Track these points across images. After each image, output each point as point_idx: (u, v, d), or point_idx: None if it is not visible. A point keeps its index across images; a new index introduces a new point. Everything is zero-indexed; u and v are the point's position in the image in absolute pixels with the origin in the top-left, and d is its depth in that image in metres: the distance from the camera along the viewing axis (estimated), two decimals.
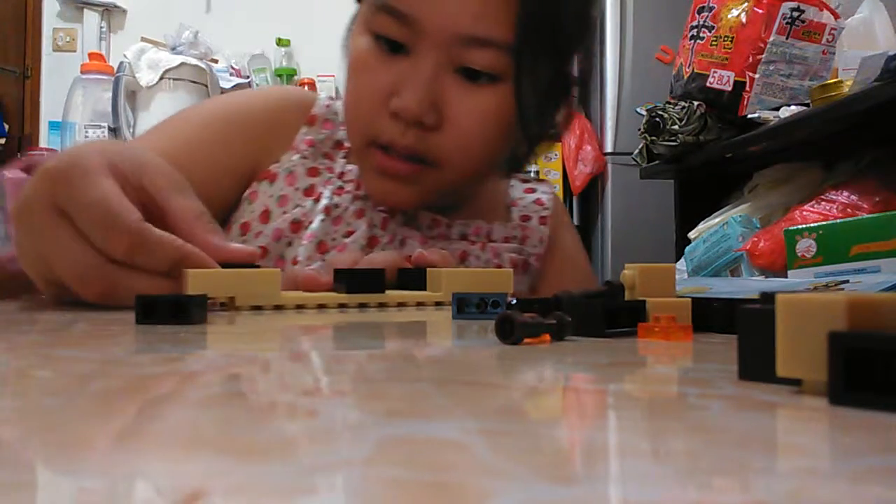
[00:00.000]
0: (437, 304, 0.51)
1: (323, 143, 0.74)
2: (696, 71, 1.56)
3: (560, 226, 0.83)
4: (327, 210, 0.69)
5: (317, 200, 0.70)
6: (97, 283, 0.44)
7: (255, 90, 0.78)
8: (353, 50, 0.68)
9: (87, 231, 0.43)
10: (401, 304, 0.50)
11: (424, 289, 0.53)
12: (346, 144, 0.74)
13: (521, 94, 0.65)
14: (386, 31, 0.63)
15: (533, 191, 0.83)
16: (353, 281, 0.49)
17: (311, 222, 0.69)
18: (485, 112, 0.65)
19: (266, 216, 0.69)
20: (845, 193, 1.31)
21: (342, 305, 0.48)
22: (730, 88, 1.51)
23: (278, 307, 0.46)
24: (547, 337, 0.29)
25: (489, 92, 0.64)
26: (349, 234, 0.69)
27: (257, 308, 0.46)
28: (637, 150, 1.74)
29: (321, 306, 0.48)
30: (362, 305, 0.49)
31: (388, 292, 0.50)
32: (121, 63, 2.71)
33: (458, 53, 0.62)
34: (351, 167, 0.72)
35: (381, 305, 0.49)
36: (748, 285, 0.47)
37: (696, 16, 1.60)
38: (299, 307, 0.47)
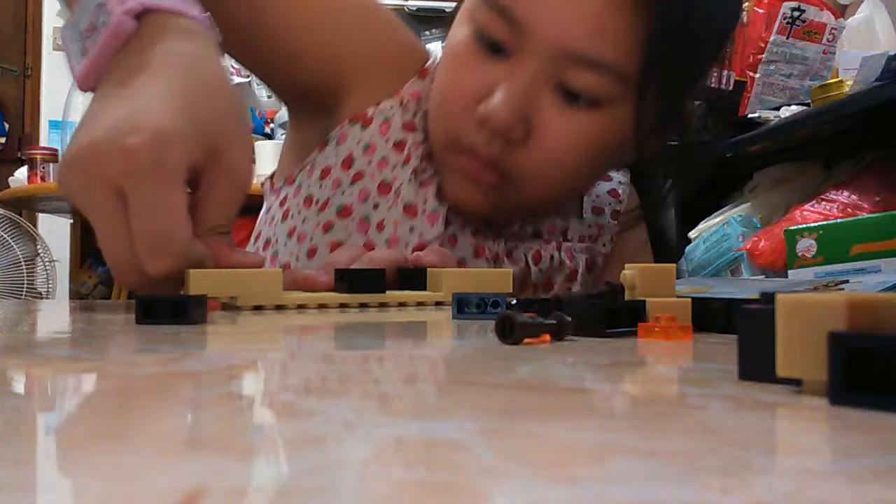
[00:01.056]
0: (438, 303, 0.51)
1: (426, 101, 0.67)
2: None
3: (630, 221, 0.77)
4: (415, 172, 0.64)
5: (406, 162, 0.65)
6: (132, 278, 0.42)
7: (390, 13, 0.71)
8: (452, 39, 0.63)
9: (136, 234, 0.40)
10: (401, 304, 0.51)
11: (425, 289, 0.53)
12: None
13: (639, 123, 0.59)
14: (490, 30, 0.59)
15: (609, 178, 0.76)
16: (354, 281, 0.49)
17: (401, 184, 0.64)
18: (578, 137, 0.59)
19: (349, 162, 0.65)
20: (845, 193, 1.31)
21: (343, 305, 0.48)
22: (730, 88, 1.51)
23: (280, 307, 0.46)
24: (547, 337, 0.29)
25: (587, 117, 0.59)
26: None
27: (258, 308, 0.46)
28: None
29: (322, 306, 0.48)
30: (363, 305, 0.49)
31: (388, 292, 0.50)
32: None
33: (563, 69, 0.57)
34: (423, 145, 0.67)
35: (382, 305, 0.49)
36: (748, 285, 0.47)
37: None
38: (301, 307, 0.47)
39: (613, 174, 0.77)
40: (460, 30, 0.61)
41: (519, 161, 0.59)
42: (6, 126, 3.34)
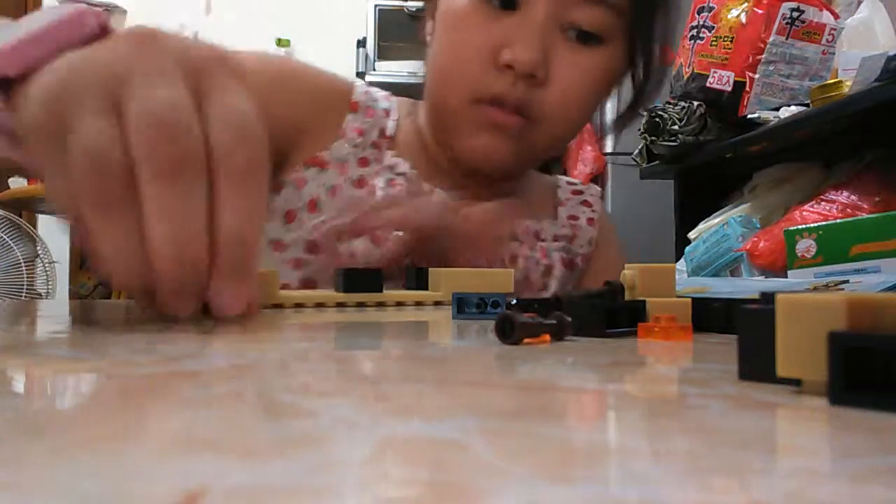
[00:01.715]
0: (437, 303, 0.51)
1: (370, 131, 0.71)
2: (696, 71, 1.56)
3: (605, 229, 0.83)
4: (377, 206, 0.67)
5: (371, 192, 0.68)
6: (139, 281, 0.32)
7: (303, 64, 0.74)
8: (451, 6, 0.66)
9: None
10: (399, 304, 0.51)
11: (426, 288, 0.53)
12: (390, 134, 0.72)
13: (635, 55, 0.67)
14: None
15: (580, 192, 0.83)
16: (351, 280, 0.49)
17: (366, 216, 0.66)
18: (590, 72, 0.66)
19: (314, 205, 0.67)
20: (845, 193, 1.31)
21: (340, 304, 0.48)
22: (730, 88, 1.51)
23: (277, 306, 0.46)
24: (547, 337, 0.29)
25: (595, 53, 0.65)
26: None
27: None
28: (637, 151, 1.74)
29: (319, 305, 0.48)
30: (361, 304, 0.49)
31: (386, 292, 0.50)
32: None
33: (570, 10, 0.64)
34: (399, 161, 0.70)
35: (380, 305, 0.49)
36: (748, 285, 0.47)
37: (696, 16, 1.60)
38: (298, 306, 0.47)
39: (583, 188, 0.85)
40: None
41: (541, 101, 0.64)
42: None
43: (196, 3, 3.14)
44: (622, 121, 0.78)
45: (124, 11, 3.13)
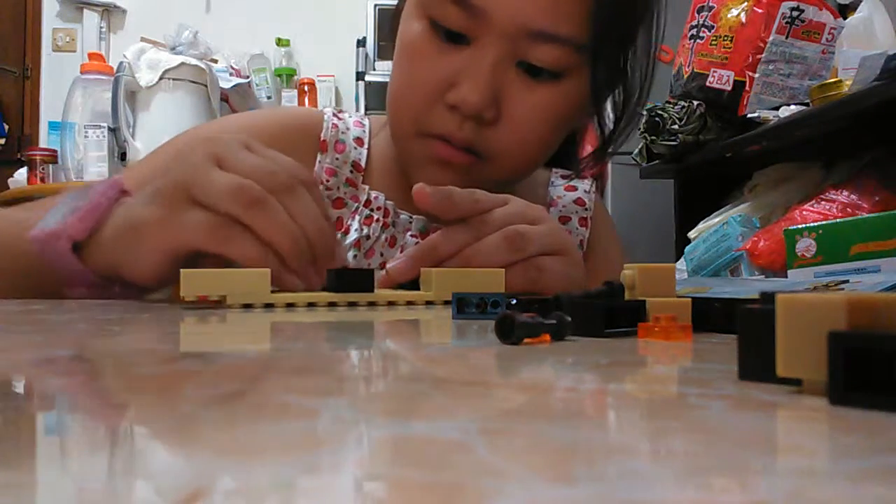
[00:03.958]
0: (428, 303, 0.52)
1: (342, 168, 0.71)
2: (695, 70, 1.56)
3: (600, 225, 0.80)
4: (358, 244, 0.67)
5: (346, 233, 0.67)
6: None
7: (264, 113, 0.74)
8: (405, 34, 0.64)
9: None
10: (391, 303, 0.51)
11: (418, 289, 0.53)
12: (363, 165, 0.71)
13: (597, 91, 0.64)
14: (448, 21, 0.61)
15: (574, 189, 0.80)
16: (342, 280, 0.50)
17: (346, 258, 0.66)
18: (545, 110, 0.63)
19: None
20: (845, 193, 1.31)
21: (332, 304, 0.49)
22: (729, 88, 1.51)
23: (268, 305, 0.47)
24: (547, 337, 0.29)
25: (550, 89, 0.62)
26: (382, 265, 0.66)
27: (247, 306, 0.47)
28: (637, 150, 1.74)
29: (311, 304, 0.48)
30: (352, 304, 0.49)
31: (377, 292, 0.50)
32: (120, 63, 2.70)
33: (523, 47, 0.60)
34: (377, 194, 0.69)
35: (371, 304, 0.50)
36: (748, 285, 0.47)
37: (696, 15, 1.60)
38: (290, 305, 0.48)
39: (578, 183, 0.81)
40: (413, 25, 0.63)
41: (491, 140, 0.62)
42: (6, 127, 3.33)
43: (196, 3, 3.14)
44: (598, 155, 0.75)
45: (124, 11, 3.13)
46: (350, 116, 0.76)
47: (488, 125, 0.61)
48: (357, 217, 0.68)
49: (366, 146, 0.73)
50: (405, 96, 0.64)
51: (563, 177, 0.82)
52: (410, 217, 0.70)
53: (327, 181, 0.69)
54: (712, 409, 0.17)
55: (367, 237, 0.68)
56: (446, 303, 0.51)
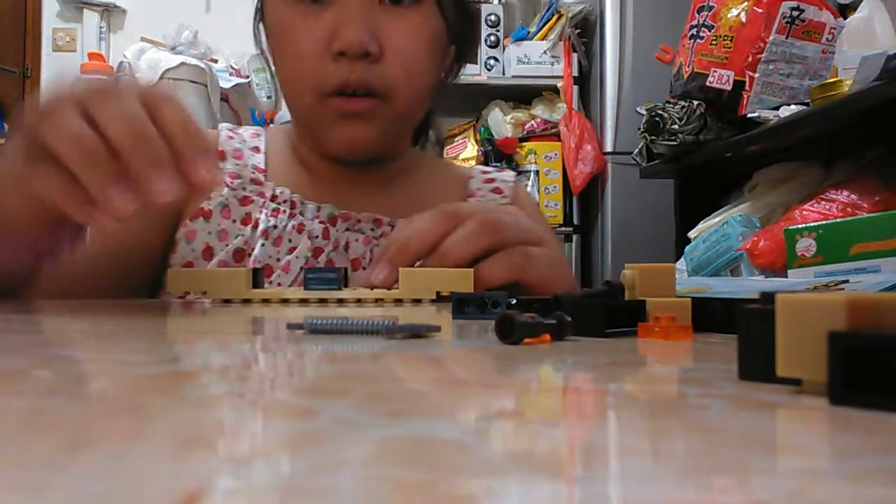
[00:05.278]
0: (398, 301, 0.52)
1: (244, 171, 0.74)
2: (695, 70, 1.56)
3: (522, 209, 0.81)
4: (265, 234, 0.70)
5: (255, 227, 0.70)
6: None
7: None
8: (273, 18, 0.70)
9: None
10: (359, 301, 0.53)
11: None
12: (262, 168, 0.75)
13: (443, 9, 0.69)
14: None
15: (492, 180, 0.83)
16: (314, 278, 0.53)
17: (252, 249, 0.69)
18: (418, 32, 0.68)
19: (209, 253, 0.69)
20: (845, 193, 1.31)
21: (303, 301, 0.52)
22: (729, 88, 1.51)
23: (246, 301, 0.51)
24: (547, 337, 0.29)
25: (416, 13, 0.68)
26: (292, 250, 0.70)
27: (227, 301, 0.51)
28: (637, 150, 1.74)
29: (284, 301, 0.51)
30: (322, 301, 0.51)
31: (346, 289, 0.53)
32: (120, 63, 2.71)
33: None
34: (281, 189, 0.72)
35: (341, 301, 0.51)
36: (748, 285, 0.47)
37: (696, 15, 1.60)
38: (265, 301, 0.52)
39: (496, 174, 0.84)
40: (278, 9, 0.69)
41: (383, 74, 0.67)
42: (6, 127, 3.33)
43: (196, 3, 3.14)
44: (448, 76, 0.78)
45: (124, 11, 3.13)
46: (245, 130, 0.80)
47: (376, 62, 0.66)
48: (264, 210, 0.71)
49: (263, 151, 0.77)
50: (296, 67, 0.68)
51: (483, 172, 0.85)
52: (318, 206, 0.72)
53: (231, 183, 0.72)
54: (712, 409, 0.17)
55: (275, 227, 0.70)
56: (415, 301, 0.52)
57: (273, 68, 0.74)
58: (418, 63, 0.69)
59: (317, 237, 0.70)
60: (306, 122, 0.72)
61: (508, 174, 0.85)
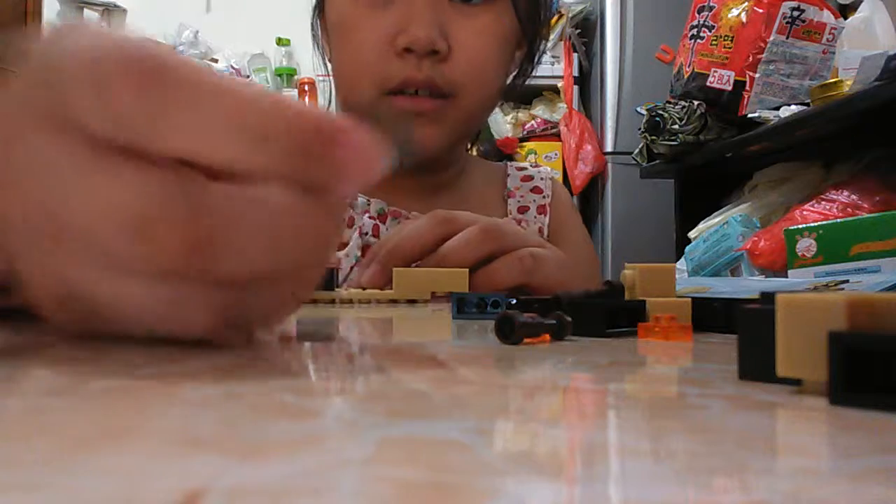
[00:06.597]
0: (392, 301, 0.52)
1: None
2: (696, 70, 1.56)
3: (562, 213, 0.80)
4: None
5: None
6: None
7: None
8: (335, 14, 0.68)
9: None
10: (349, 302, 0.52)
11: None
12: None
13: (517, 7, 0.67)
14: None
15: (530, 178, 0.81)
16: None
17: None
18: (489, 32, 0.66)
19: None
20: (845, 193, 1.31)
21: None
22: (730, 88, 1.51)
23: None
24: (547, 337, 0.29)
25: (487, 11, 0.66)
26: (342, 246, 0.68)
27: None
28: (637, 150, 1.74)
29: None
30: (313, 301, 0.51)
31: (339, 290, 0.52)
32: None
33: None
34: None
35: (332, 302, 0.51)
36: (748, 285, 0.47)
37: (697, 15, 1.60)
38: None
39: (532, 171, 0.82)
40: (342, 3, 0.67)
41: (451, 73, 0.65)
42: None
43: (196, 3, 3.14)
44: (518, 79, 0.77)
45: (124, 11, 3.13)
46: None
47: (443, 60, 0.64)
48: None
49: None
50: (359, 63, 0.66)
51: (518, 168, 0.83)
52: (368, 200, 0.71)
53: None
54: (712, 409, 0.17)
55: None
56: (409, 301, 0.52)
57: (330, 64, 0.72)
58: (488, 62, 0.66)
59: (366, 234, 0.68)
60: (362, 119, 0.70)
61: (545, 170, 0.83)
